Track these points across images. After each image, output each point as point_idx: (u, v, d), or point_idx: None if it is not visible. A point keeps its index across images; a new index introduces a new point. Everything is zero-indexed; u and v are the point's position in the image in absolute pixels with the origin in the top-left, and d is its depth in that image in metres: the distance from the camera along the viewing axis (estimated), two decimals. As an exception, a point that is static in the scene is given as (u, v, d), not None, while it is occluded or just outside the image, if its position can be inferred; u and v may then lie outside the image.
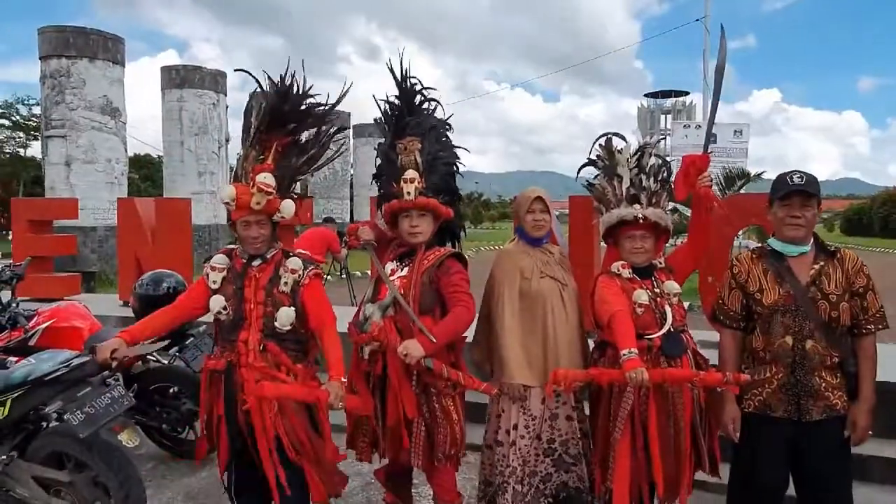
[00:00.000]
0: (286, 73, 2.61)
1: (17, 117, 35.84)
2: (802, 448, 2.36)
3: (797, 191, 2.33)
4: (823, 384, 2.32)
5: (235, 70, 3.06)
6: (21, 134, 36.54)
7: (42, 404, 2.81)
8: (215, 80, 18.28)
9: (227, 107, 19.15)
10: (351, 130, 29.29)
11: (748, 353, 2.47)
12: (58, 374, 2.77)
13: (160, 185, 19.50)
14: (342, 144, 2.99)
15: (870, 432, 2.36)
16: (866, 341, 2.35)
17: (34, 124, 32.68)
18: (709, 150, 2.79)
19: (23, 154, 37.17)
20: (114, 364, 2.57)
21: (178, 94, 17.97)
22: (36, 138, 30.76)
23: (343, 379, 2.41)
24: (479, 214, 57.39)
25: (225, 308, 2.56)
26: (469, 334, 2.86)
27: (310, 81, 2.66)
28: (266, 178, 2.49)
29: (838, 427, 2.34)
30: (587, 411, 2.91)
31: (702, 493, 3.25)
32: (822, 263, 2.37)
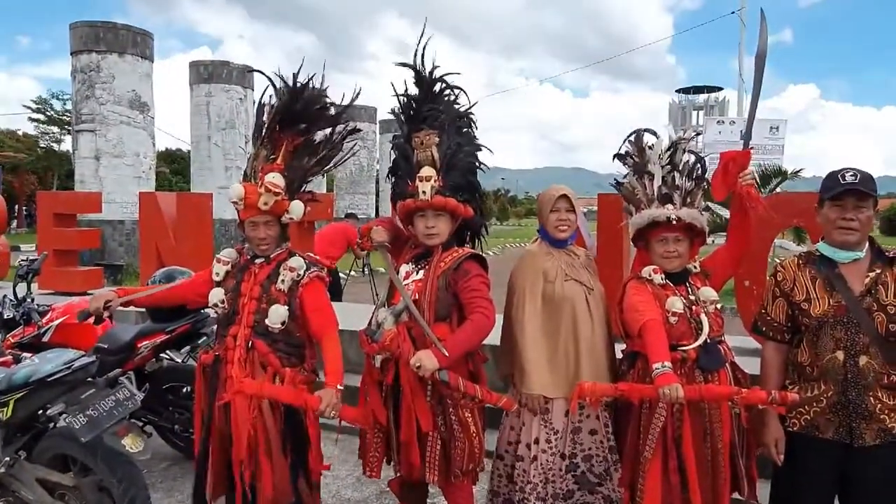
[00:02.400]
0: (299, 72, 2.56)
1: (52, 112, 36.73)
2: (853, 475, 2.15)
3: (850, 190, 2.10)
4: (879, 405, 2.09)
5: (249, 71, 3.00)
6: (55, 129, 37.47)
7: (46, 405, 2.73)
8: (243, 76, 18.33)
9: (254, 102, 19.15)
10: (378, 125, 29.27)
11: (793, 368, 2.26)
12: (60, 375, 2.68)
13: (190, 180, 19.69)
14: (354, 145, 2.93)
15: None
16: None
17: (67, 119, 33.40)
18: (750, 146, 2.57)
19: (57, 149, 38.06)
20: (105, 315, 2.64)
21: (205, 88, 18.07)
22: (69, 133, 31.42)
23: (339, 386, 2.33)
24: (505, 211, 57.06)
25: (223, 301, 2.56)
26: (493, 341, 2.69)
27: (338, 78, 2.62)
28: (275, 178, 2.45)
29: (894, 453, 2.12)
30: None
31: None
32: (878, 271, 2.15)
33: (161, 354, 3.84)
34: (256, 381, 2.38)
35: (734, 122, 14.56)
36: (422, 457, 2.54)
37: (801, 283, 2.23)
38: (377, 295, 3.45)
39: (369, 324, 2.65)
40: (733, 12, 15.99)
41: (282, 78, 2.58)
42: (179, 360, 3.94)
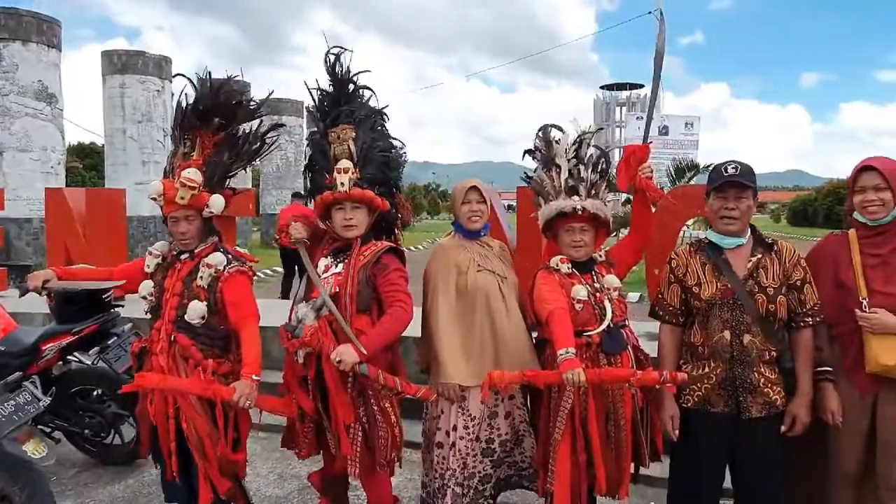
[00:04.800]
0: (209, 72, 2.62)
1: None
2: (740, 443, 2.33)
3: (731, 181, 2.27)
4: (762, 379, 2.28)
5: (175, 76, 3.01)
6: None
7: None
8: (160, 67, 17.55)
9: (172, 94, 18.43)
10: (305, 119, 28.68)
11: (687, 348, 2.42)
12: None
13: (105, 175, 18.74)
14: (277, 137, 2.94)
15: (806, 426, 2.33)
16: (804, 335, 2.32)
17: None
18: (649, 140, 2.72)
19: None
20: (42, 294, 2.71)
21: (119, 80, 17.14)
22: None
23: (255, 377, 2.38)
24: (436, 205, 57.27)
25: (150, 294, 2.63)
26: (416, 333, 2.76)
27: (264, 72, 2.63)
28: (190, 174, 2.51)
29: (776, 423, 2.31)
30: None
31: (645, 489, 3.23)
32: (759, 256, 2.33)
33: (69, 357, 3.68)
34: (157, 375, 2.43)
35: (653, 118, 15.19)
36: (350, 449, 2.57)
37: (693, 269, 2.39)
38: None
39: (289, 319, 2.65)
40: (649, 12, 16.65)
41: (199, 76, 2.61)
42: (89, 363, 3.78)
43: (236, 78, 2.69)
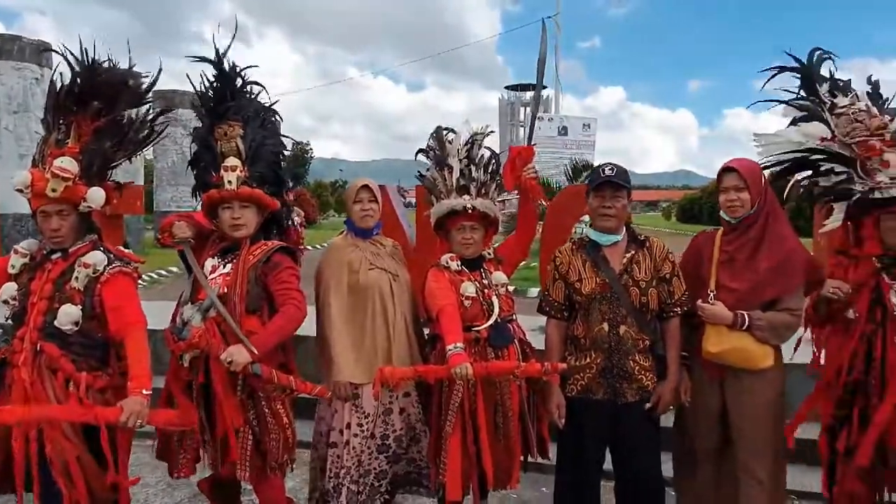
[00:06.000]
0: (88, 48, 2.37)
1: None
2: (618, 427, 2.48)
3: (607, 182, 2.42)
4: (637, 367, 2.44)
5: (43, 50, 2.72)
6: None
7: None
8: (38, 53, 16.20)
9: (52, 83, 17.07)
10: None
11: (571, 341, 2.56)
12: None
13: (-25, 170, 17.11)
14: (166, 127, 2.74)
15: (671, 407, 2.53)
16: (672, 324, 2.51)
17: None
18: (534, 142, 2.85)
19: None
20: None
21: (-9, 65, 15.78)
22: None
23: (145, 391, 2.16)
24: (343, 203, 56.30)
25: (13, 298, 2.31)
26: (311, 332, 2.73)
27: (160, 61, 2.44)
28: (63, 163, 2.24)
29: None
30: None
31: (537, 475, 3.36)
32: (632, 252, 2.50)
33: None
34: (20, 408, 2.11)
35: (552, 119, 15.75)
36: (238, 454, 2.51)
37: (575, 266, 2.53)
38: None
39: (173, 321, 2.55)
40: (550, 17, 17.25)
41: (72, 53, 2.37)
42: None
43: (114, 61, 2.46)
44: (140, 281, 2.57)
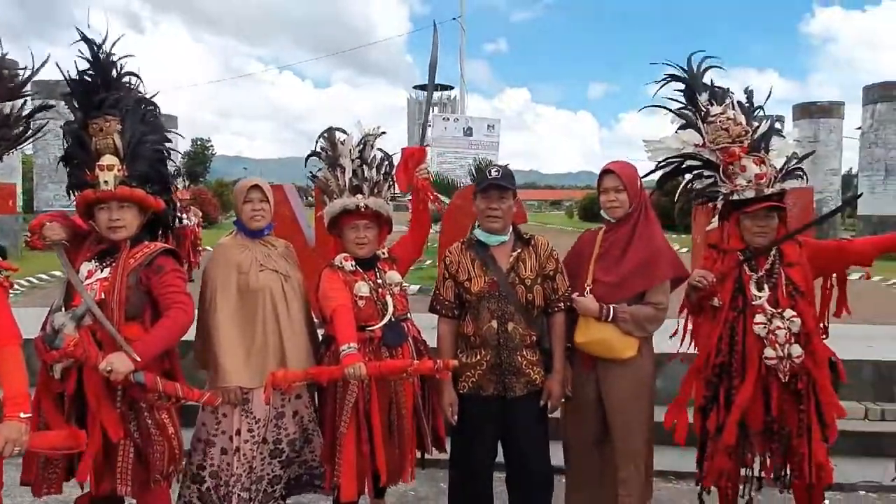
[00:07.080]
0: None
1: None
2: (508, 420, 2.57)
3: (493, 184, 2.50)
4: (525, 362, 2.54)
5: None
6: None
7: None
8: None
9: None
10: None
11: (462, 339, 2.62)
12: None
13: None
14: (46, 123, 2.52)
15: (562, 400, 2.65)
16: (556, 319, 2.62)
17: None
18: (426, 143, 2.89)
19: None
20: None
21: None
22: None
23: (23, 415, 1.99)
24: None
25: None
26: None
27: (41, 48, 2.22)
28: None
29: (537, 399, 2.58)
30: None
31: (435, 471, 3.42)
32: (519, 251, 2.59)
33: None
34: None
35: (458, 119, 15.94)
36: (111, 468, 2.38)
37: (464, 265, 2.59)
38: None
39: (44, 329, 2.38)
40: (454, 18, 17.49)
41: None
42: None
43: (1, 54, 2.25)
44: (17, 287, 2.37)
